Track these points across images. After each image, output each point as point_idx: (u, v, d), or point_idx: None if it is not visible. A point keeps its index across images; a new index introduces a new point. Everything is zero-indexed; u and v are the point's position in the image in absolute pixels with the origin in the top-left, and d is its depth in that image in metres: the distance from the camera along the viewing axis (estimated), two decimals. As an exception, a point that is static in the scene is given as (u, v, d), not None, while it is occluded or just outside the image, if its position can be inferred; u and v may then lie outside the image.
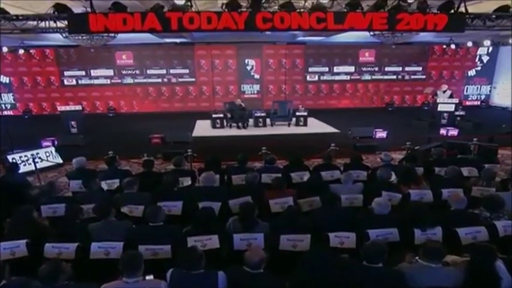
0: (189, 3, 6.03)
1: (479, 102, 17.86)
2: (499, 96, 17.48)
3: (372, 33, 13.10)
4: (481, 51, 17.34)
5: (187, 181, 5.43)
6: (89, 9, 6.03)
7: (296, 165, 5.90)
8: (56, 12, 6.02)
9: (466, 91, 17.78)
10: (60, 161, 9.11)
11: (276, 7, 6.22)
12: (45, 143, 9.96)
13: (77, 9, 6.30)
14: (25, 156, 8.46)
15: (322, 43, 16.01)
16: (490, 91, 17.94)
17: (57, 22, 6.32)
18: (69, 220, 3.95)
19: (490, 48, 17.05)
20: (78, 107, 12.14)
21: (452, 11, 6.29)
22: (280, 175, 5.63)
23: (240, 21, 5.98)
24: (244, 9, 6.00)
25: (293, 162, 5.97)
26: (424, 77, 17.41)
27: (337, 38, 15.11)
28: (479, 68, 17.73)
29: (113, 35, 12.59)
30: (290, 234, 3.71)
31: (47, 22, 6.40)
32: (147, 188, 4.96)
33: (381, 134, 10.64)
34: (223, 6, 6.00)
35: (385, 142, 10.27)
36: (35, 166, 7.55)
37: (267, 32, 13.24)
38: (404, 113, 15.36)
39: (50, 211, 4.58)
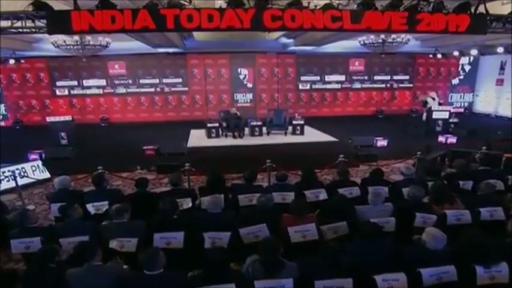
0: (187, 1, 4.98)
1: (463, 110, 17.23)
2: (481, 104, 16.91)
3: (362, 42, 12.41)
4: (463, 60, 16.82)
5: (187, 203, 4.37)
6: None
7: (309, 182, 4.88)
8: (34, 10, 4.91)
9: (451, 99, 17.14)
10: (47, 175, 7.92)
11: (283, 6, 5.18)
12: (32, 156, 8.76)
13: (60, 8, 5.18)
14: (8, 171, 7.25)
15: (313, 53, 15.16)
16: (472, 98, 17.36)
17: (36, 21, 5.17)
18: (41, 265, 2.84)
19: (472, 58, 16.57)
20: (68, 118, 10.88)
21: (469, 13, 5.41)
22: (292, 193, 4.65)
23: (245, 19, 4.95)
24: (249, 7, 4.98)
25: (306, 177, 4.95)
26: (411, 85, 16.71)
27: (327, 48, 14.32)
28: (462, 77, 17.19)
29: (105, 44, 11.57)
30: (327, 280, 2.71)
31: (23, 21, 5.25)
32: (141, 212, 3.89)
33: (381, 142, 9.71)
34: (227, 5, 4.96)
35: (386, 151, 9.36)
36: (16, 183, 6.35)
37: (266, 37, 12.38)
38: (394, 121, 14.64)
39: (21, 246, 3.47)
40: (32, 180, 7.35)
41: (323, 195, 4.69)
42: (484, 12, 5.39)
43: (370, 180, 5.00)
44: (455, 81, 17.17)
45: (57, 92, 14.86)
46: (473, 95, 17.35)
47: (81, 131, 11.79)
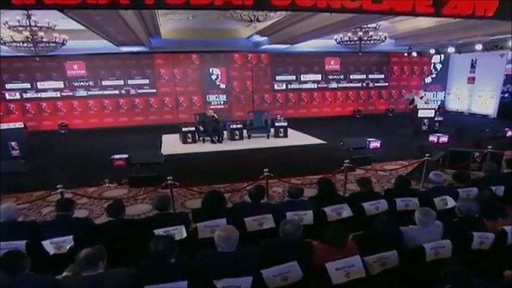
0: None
1: (436, 108, 17.13)
2: (454, 102, 16.86)
3: (338, 40, 11.78)
4: (435, 59, 16.76)
5: (180, 232, 3.31)
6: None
7: (328, 196, 3.97)
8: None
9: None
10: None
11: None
12: (-26, 172, 7.23)
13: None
14: None
15: (287, 52, 14.37)
16: (444, 97, 17.34)
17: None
18: None
19: (443, 57, 16.54)
20: (19, 125, 9.29)
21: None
22: (310, 211, 3.72)
23: (248, -5, 3.99)
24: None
25: (324, 191, 4.02)
26: (386, 84, 16.40)
27: (301, 47, 13.60)
28: (434, 76, 17.13)
29: (60, 41, 10.12)
30: None
31: None
32: (120, 252, 2.80)
33: (374, 143, 8.99)
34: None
35: (379, 153, 8.67)
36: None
37: (253, 27, 11.32)
38: (373, 120, 14.25)
39: None
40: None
41: (347, 211, 3.81)
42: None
43: (395, 191, 4.17)
44: (428, 79, 17.13)
45: (7, 96, 13.12)
46: (445, 94, 17.34)
47: (37, 140, 10.29)
